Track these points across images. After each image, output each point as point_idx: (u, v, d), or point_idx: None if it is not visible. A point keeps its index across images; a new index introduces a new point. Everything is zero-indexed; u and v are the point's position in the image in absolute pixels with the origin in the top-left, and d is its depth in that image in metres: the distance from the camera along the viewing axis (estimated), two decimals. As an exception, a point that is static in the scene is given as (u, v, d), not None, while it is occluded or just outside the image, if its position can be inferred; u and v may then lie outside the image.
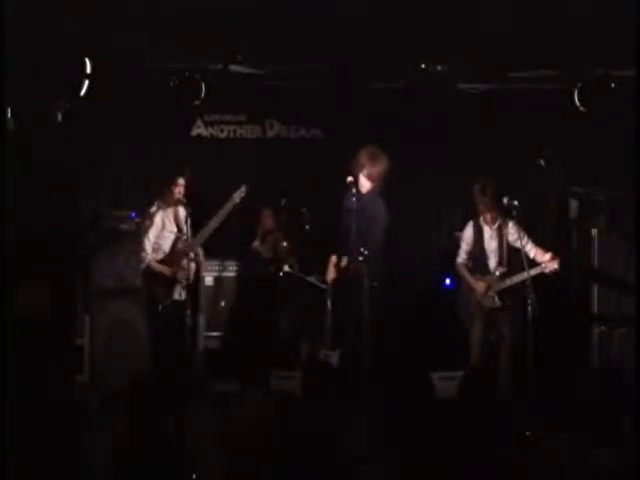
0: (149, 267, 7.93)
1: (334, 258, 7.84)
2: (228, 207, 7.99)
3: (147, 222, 7.92)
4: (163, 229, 7.96)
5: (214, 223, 7.97)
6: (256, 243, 8.76)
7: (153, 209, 7.93)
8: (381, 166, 7.80)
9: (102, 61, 7.65)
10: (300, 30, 7.48)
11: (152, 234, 7.93)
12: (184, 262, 7.81)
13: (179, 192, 7.86)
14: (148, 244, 7.92)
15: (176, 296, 7.93)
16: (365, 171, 7.78)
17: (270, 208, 8.69)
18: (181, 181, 7.87)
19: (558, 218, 8.97)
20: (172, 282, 7.93)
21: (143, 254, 7.92)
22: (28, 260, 7.49)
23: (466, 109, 8.86)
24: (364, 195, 7.82)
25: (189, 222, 7.73)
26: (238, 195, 8.03)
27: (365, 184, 7.82)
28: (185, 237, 7.86)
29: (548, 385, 7.40)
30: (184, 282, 7.79)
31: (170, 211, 7.98)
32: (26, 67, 7.03)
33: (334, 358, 7.61)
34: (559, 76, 8.50)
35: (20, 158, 6.67)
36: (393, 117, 8.91)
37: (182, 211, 7.92)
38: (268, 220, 8.71)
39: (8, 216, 5.89)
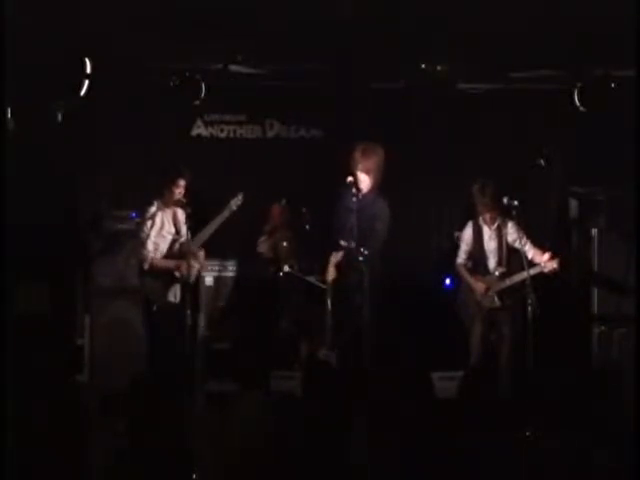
0: (152, 264, 7.87)
1: (333, 257, 7.80)
2: (224, 215, 7.97)
3: (148, 222, 7.90)
4: (162, 229, 7.94)
5: (210, 229, 7.94)
6: (262, 239, 8.68)
7: (153, 209, 7.91)
8: (376, 158, 7.83)
9: (102, 61, 7.65)
10: (300, 30, 7.48)
11: (153, 233, 7.91)
12: (184, 262, 7.80)
13: (179, 193, 7.84)
14: (150, 243, 7.88)
15: (171, 298, 7.91)
16: (361, 166, 7.80)
17: (280, 205, 8.62)
18: (182, 182, 7.85)
19: (558, 218, 8.97)
20: (170, 283, 7.91)
21: (145, 252, 7.86)
22: (28, 260, 7.50)
23: (466, 109, 8.86)
24: (365, 194, 7.83)
25: (187, 224, 7.72)
26: (235, 203, 8.01)
27: (364, 180, 7.83)
28: (183, 239, 7.85)
29: (548, 385, 7.40)
30: (185, 274, 7.76)
31: (169, 212, 7.96)
32: (26, 67, 7.03)
33: (334, 358, 7.61)
34: (559, 76, 8.50)
35: (20, 158, 6.68)
36: (393, 117, 8.91)
37: (181, 213, 7.91)
38: (278, 216, 8.64)
39: (8, 216, 5.89)
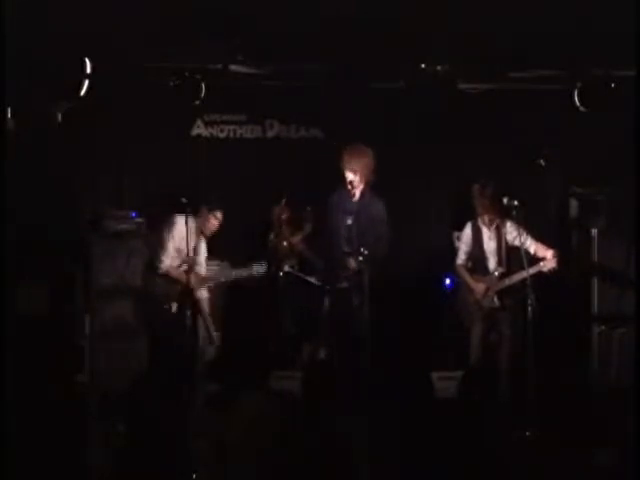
0: (168, 271, 7.89)
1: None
2: (242, 274, 7.99)
3: (166, 232, 7.86)
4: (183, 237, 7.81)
5: (223, 277, 8.08)
6: (272, 237, 8.61)
7: (176, 218, 7.84)
8: (364, 159, 7.87)
9: (102, 61, 7.65)
10: (300, 30, 7.48)
11: (171, 245, 7.86)
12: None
13: (213, 225, 7.87)
14: (172, 248, 7.84)
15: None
16: (348, 166, 7.83)
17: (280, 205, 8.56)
18: (219, 215, 7.87)
19: (558, 218, 8.97)
20: (177, 289, 7.88)
21: (160, 263, 7.86)
22: (28, 260, 7.50)
23: (466, 109, 8.86)
24: (361, 195, 7.87)
25: (206, 254, 7.93)
26: (257, 269, 7.94)
27: (352, 180, 7.84)
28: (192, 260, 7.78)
29: (548, 385, 7.41)
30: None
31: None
32: (26, 67, 7.04)
33: (334, 358, 7.61)
34: (559, 76, 8.50)
35: (20, 158, 6.68)
36: (393, 117, 8.91)
37: (204, 243, 7.98)
38: (285, 215, 8.59)
39: (8, 216, 5.89)
